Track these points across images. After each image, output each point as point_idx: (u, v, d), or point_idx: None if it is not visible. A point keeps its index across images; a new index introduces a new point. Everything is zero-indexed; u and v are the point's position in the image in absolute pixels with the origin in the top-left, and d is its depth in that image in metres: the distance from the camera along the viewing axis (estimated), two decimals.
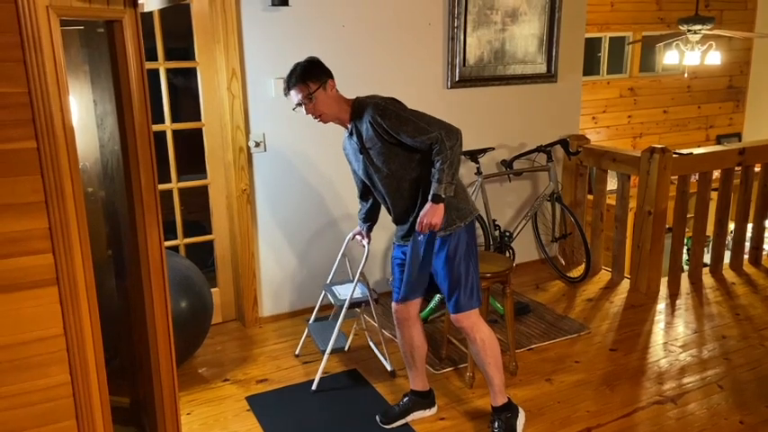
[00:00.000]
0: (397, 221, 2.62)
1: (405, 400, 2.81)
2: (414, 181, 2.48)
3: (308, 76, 2.45)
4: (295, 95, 2.46)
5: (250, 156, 3.56)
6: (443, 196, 2.36)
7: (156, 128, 3.31)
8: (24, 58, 1.43)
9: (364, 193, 2.79)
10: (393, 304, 2.71)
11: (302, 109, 2.48)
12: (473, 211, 2.56)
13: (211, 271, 3.79)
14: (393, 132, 2.38)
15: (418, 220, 2.42)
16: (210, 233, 3.74)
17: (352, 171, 2.71)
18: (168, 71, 3.39)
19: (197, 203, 3.78)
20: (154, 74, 3.33)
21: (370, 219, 2.89)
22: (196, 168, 3.69)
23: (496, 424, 2.63)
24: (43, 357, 1.53)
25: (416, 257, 2.52)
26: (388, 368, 3.18)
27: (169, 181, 3.51)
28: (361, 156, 2.50)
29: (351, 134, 2.54)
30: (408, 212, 2.54)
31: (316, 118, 2.49)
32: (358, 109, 2.47)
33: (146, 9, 2.05)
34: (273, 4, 3.35)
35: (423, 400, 2.80)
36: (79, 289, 1.57)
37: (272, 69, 3.49)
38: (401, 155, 2.44)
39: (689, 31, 5.02)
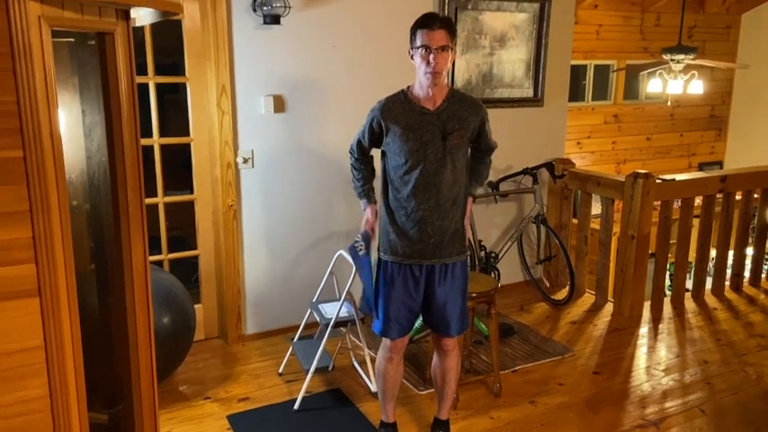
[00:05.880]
0: (424, 231, 2.42)
1: None
2: (460, 192, 2.50)
3: (455, 31, 2.36)
4: (440, 37, 2.28)
5: (238, 172, 3.56)
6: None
7: (143, 142, 3.30)
8: (14, 68, 1.42)
9: (366, 157, 2.62)
10: (394, 342, 2.55)
11: (430, 55, 2.28)
12: None
13: (195, 287, 3.76)
14: (486, 129, 2.52)
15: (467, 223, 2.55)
16: (195, 248, 3.72)
17: (367, 137, 2.52)
18: (158, 86, 3.40)
19: (182, 219, 3.76)
20: (143, 88, 3.33)
21: (372, 177, 2.66)
22: (183, 184, 3.68)
23: None
24: (22, 369, 1.50)
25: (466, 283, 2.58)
26: (372, 389, 3.16)
27: (155, 195, 3.49)
28: (442, 141, 2.37)
29: (427, 113, 2.39)
30: (445, 219, 2.43)
31: (433, 73, 2.30)
32: (461, 95, 2.46)
33: (138, 23, 2.06)
34: (266, 23, 3.38)
35: (395, 430, 2.79)
36: (61, 301, 1.55)
37: (263, 86, 3.51)
38: (465, 157, 2.50)
39: (672, 60, 5.13)
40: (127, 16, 1.80)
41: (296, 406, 3.02)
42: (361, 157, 2.61)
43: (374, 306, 2.55)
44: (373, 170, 2.67)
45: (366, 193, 2.63)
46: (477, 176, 2.63)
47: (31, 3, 1.42)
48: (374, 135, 2.49)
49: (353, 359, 3.44)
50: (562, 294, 4.43)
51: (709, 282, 4.65)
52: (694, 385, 3.32)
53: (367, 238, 2.55)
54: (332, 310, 3.14)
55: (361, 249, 2.53)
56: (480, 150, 2.61)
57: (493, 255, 4.21)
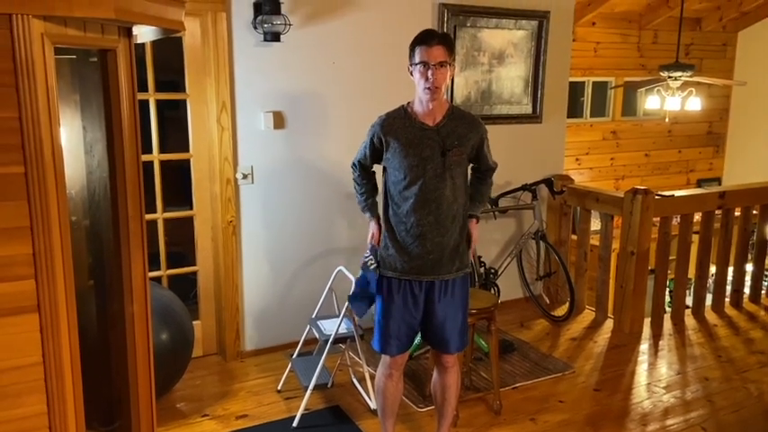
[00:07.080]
0: (424, 247, 2.42)
1: None
2: (460, 210, 2.50)
3: (453, 47, 2.39)
4: (438, 53, 2.30)
5: (237, 188, 3.56)
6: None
7: (143, 158, 3.30)
8: (17, 84, 1.43)
9: (368, 172, 2.65)
10: (394, 359, 2.54)
11: (428, 71, 2.30)
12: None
13: (194, 303, 3.74)
14: (485, 149, 2.53)
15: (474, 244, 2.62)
16: (194, 265, 3.71)
17: (368, 152, 2.54)
18: (158, 102, 3.41)
19: (182, 235, 3.76)
20: (143, 104, 3.34)
21: (374, 192, 2.68)
22: (182, 200, 3.68)
23: None
24: (20, 386, 1.50)
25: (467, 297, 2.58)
26: (371, 406, 3.13)
27: (155, 211, 3.49)
28: (441, 157, 2.38)
29: (427, 129, 2.40)
30: (444, 235, 2.43)
31: (432, 89, 2.32)
32: (460, 112, 2.48)
33: (139, 40, 2.08)
34: (266, 40, 3.40)
35: None
36: (60, 317, 1.55)
37: (263, 103, 3.53)
38: (464, 174, 2.51)
39: (669, 77, 5.16)
40: (129, 34, 1.82)
41: (295, 423, 2.99)
42: (363, 172, 2.63)
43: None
44: (375, 186, 2.68)
45: (369, 207, 2.64)
46: (480, 197, 2.64)
47: (34, 20, 1.43)
48: (375, 150, 2.51)
49: (353, 376, 3.42)
50: (562, 311, 4.42)
51: (709, 298, 4.64)
52: (695, 402, 3.30)
53: (375, 253, 2.54)
54: (331, 327, 3.13)
55: (372, 264, 2.52)
56: (481, 171, 2.63)
57: (492, 271, 4.21)
